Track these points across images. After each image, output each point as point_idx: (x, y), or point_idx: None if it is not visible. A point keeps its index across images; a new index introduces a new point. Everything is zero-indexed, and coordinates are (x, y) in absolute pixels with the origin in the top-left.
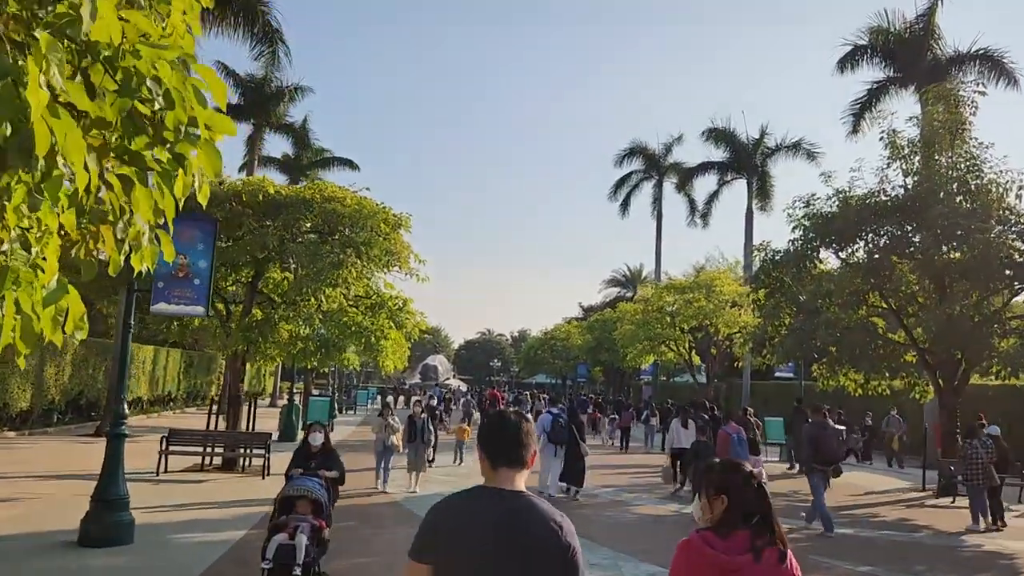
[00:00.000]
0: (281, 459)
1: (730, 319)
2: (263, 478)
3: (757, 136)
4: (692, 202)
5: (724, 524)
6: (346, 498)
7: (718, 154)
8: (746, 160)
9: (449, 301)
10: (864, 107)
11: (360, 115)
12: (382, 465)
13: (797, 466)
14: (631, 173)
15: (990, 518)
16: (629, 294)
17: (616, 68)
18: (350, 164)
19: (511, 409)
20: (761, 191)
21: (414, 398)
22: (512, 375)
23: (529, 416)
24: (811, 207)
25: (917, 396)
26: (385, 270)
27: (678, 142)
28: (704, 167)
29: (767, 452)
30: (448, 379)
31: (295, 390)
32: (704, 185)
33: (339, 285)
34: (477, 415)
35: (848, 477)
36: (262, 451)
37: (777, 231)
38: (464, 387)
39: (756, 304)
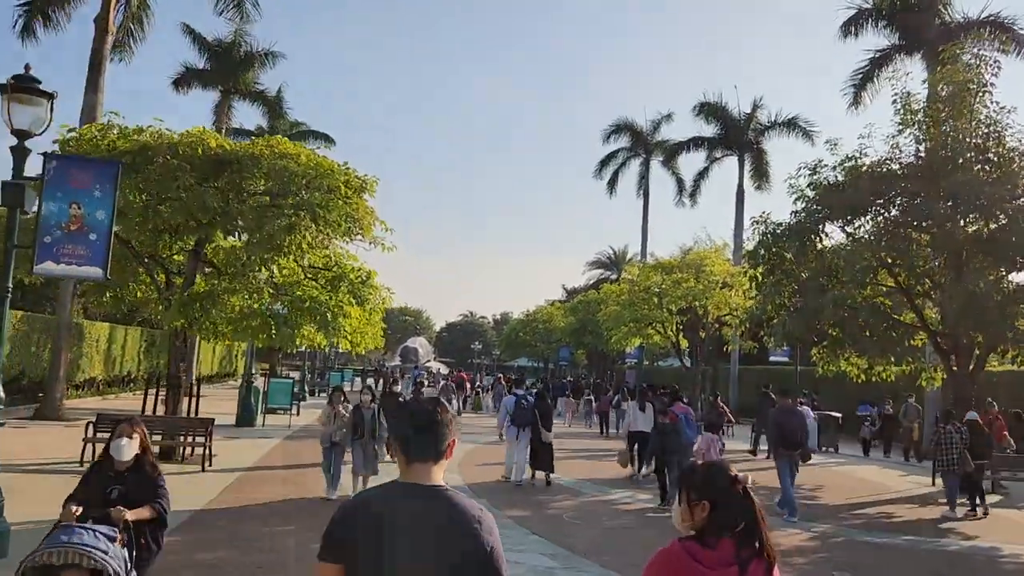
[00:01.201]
0: (231, 448)
1: (720, 301)
2: (202, 469)
3: (749, 111)
4: (680, 180)
5: (708, 533)
6: (295, 500)
7: (709, 130)
8: (738, 136)
9: (431, 283)
10: (866, 77)
11: (342, 98)
12: (331, 465)
13: (766, 452)
14: (617, 151)
15: (963, 504)
16: (614, 276)
17: (606, 51)
18: (326, 139)
19: (428, 397)
20: (756, 169)
21: (392, 379)
22: (494, 358)
23: (448, 404)
24: (817, 175)
25: (923, 383)
26: (346, 239)
27: (667, 120)
28: (694, 143)
29: (757, 441)
30: (429, 361)
31: (254, 371)
32: (693, 163)
33: (291, 253)
34: (458, 403)
35: (858, 471)
36: (203, 438)
37: (770, 211)
38: (445, 370)
39: (754, 282)
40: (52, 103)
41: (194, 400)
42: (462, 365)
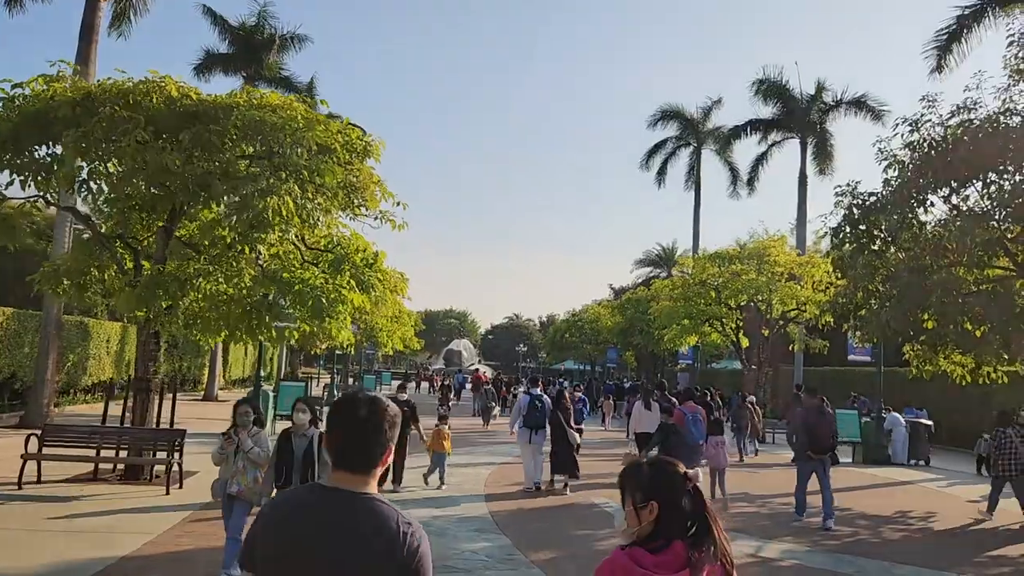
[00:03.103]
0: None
1: (786, 294)
2: (167, 492)
3: (812, 91)
4: (734, 170)
5: (656, 537)
6: None
7: (767, 111)
8: (800, 117)
9: (476, 285)
10: (952, 37)
11: (376, 96)
12: (229, 535)
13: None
14: (665, 140)
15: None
16: (663, 274)
17: (649, 38)
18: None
19: (365, 392)
20: (820, 152)
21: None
22: (540, 361)
23: (389, 403)
24: (919, 132)
25: None
26: (349, 213)
27: (718, 105)
28: (751, 126)
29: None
30: (473, 364)
31: (262, 376)
32: (747, 150)
33: (274, 226)
34: (497, 410)
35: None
36: (172, 455)
37: (859, 179)
38: (491, 373)
39: (837, 265)
40: None
41: (163, 407)
42: (507, 368)
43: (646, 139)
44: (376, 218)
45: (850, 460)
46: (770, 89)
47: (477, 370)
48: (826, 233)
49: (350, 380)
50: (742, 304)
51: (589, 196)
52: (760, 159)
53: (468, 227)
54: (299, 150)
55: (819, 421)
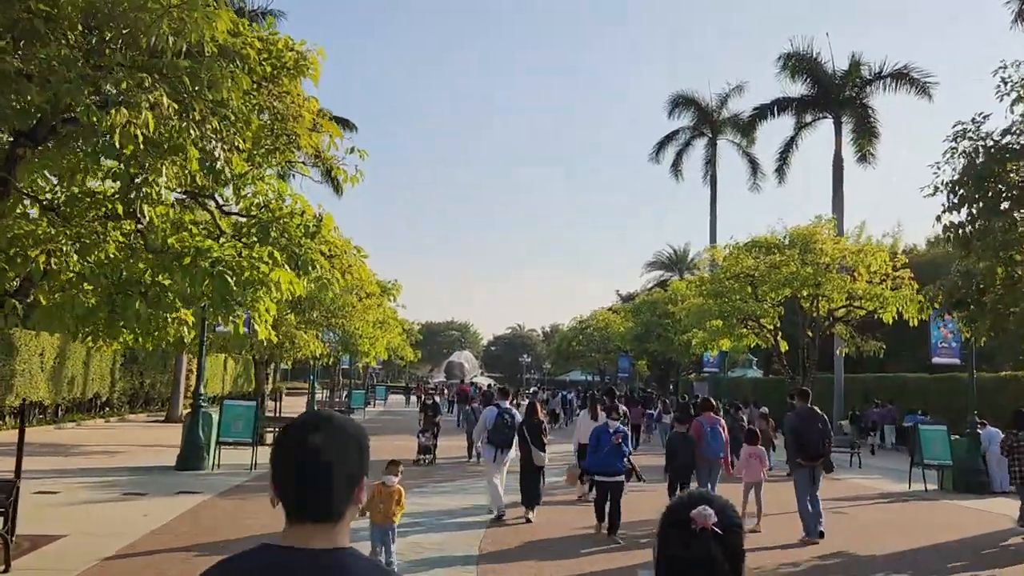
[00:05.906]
0: (114, 514)
1: (836, 288)
2: None
3: (847, 66)
4: (753, 161)
5: None
6: None
7: (796, 89)
8: (834, 94)
9: (478, 296)
10: None
11: (372, 106)
12: None
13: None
14: (677, 131)
15: None
16: (675, 277)
17: (658, 33)
18: (347, 124)
19: (319, 413)
20: (861, 131)
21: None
22: (544, 372)
23: (351, 421)
24: None
25: None
26: (279, 159)
27: (737, 92)
28: (779, 105)
29: (924, 477)
30: (475, 377)
31: (202, 393)
32: (770, 139)
33: (153, 171)
34: (480, 436)
35: None
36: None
37: (876, 191)
38: (488, 383)
39: (954, 233)
40: None
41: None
42: (510, 379)
43: (658, 136)
44: (314, 166)
45: (937, 487)
46: (799, 64)
47: (462, 381)
48: (936, 190)
49: (342, 394)
50: (782, 301)
51: (593, 204)
52: (789, 144)
53: (469, 238)
54: (175, 40)
55: (808, 427)
